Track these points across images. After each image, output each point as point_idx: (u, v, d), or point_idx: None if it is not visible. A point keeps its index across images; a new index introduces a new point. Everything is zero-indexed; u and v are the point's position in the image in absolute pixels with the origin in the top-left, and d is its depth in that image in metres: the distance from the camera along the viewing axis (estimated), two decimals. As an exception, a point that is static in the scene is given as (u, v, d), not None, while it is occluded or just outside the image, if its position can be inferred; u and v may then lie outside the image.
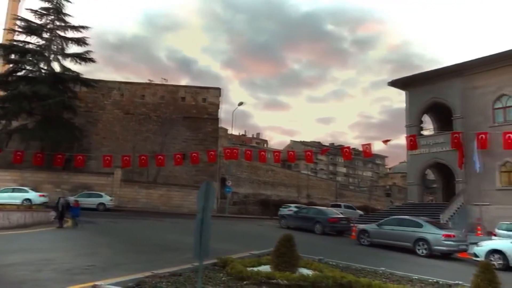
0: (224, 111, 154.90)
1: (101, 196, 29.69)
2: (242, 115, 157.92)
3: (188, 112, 39.33)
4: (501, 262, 14.04)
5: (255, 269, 7.78)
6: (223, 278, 7.33)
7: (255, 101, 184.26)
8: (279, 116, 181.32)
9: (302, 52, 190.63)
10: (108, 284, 6.14)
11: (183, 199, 34.32)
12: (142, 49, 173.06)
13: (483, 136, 19.35)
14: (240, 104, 42.81)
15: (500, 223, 22.90)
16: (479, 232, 24.30)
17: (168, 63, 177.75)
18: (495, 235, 21.42)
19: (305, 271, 7.86)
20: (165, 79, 42.22)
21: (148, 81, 41.12)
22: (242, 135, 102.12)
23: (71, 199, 20.14)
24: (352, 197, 66.60)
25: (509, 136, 17.76)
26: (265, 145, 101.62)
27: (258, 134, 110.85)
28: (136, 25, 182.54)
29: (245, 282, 7.06)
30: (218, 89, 41.14)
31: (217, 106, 40.56)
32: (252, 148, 55.87)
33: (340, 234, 23.33)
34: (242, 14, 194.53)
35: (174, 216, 28.33)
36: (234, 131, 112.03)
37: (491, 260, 13.80)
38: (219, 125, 42.13)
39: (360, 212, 37.29)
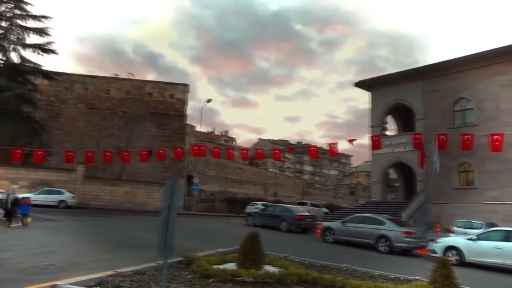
0: (191, 108, 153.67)
1: (62, 193, 28.68)
2: (210, 112, 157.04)
3: (155, 108, 38.66)
4: (457, 258, 14.68)
5: (221, 266, 7.76)
6: (188, 276, 7.26)
7: (223, 99, 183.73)
8: (247, 114, 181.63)
9: (271, 51, 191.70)
10: (68, 284, 5.94)
11: (149, 197, 33.75)
12: (107, 42, 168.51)
13: (443, 137, 20.11)
14: (208, 101, 42.51)
15: (457, 220, 23.98)
16: (437, 229, 25.32)
17: (135, 58, 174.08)
18: (452, 232, 22.38)
19: (270, 269, 7.93)
20: (131, 74, 41.29)
21: (113, 75, 40.01)
22: (210, 132, 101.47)
23: (21, 196, 18.85)
24: (318, 195, 67.67)
25: (467, 138, 18.53)
26: (233, 142, 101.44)
27: (226, 131, 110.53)
28: (102, 17, 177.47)
29: (210, 280, 7.03)
30: (186, 85, 40.70)
31: (184, 102, 40.11)
32: (220, 145, 55.61)
33: (305, 231, 23.65)
34: (211, 11, 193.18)
35: (139, 213, 27.82)
36: (201, 128, 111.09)
37: (447, 256, 14.40)
38: (187, 122, 41.65)
39: (326, 210, 37.94)
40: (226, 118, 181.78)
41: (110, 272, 6.89)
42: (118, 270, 7.05)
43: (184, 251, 9.07)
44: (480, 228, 20.72)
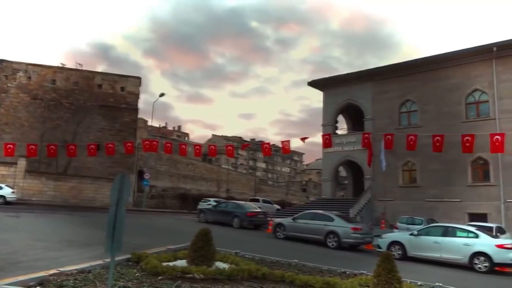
0: (144, 102, 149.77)
1: (0, 188, 26.93)
2: (163, 107, 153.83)
3: (105, 100, 37.20)
4: (400, 252, 15.43)
5: (171, 264, 7.63)
6: (136, 274, 7.06)
7: (177, 93, 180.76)
8: (201, 110, 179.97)
9: (227, 47, 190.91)
10: (5, 284, 5.57)
11: (96, 192, 32.50)
12: (54, 29, 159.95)
13: (390, 137, 20.96)
14: (161, 95, 41.57)
15: (401, 217, 25.19)
16: (383, 225, 26.47)
17: (84, 47, 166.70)
18: (396, 228, 23.48)
19: (221, 265, 7.90)
20: (79, 64, 39.40)
21: (60, 65, 37.96)
22: (163, 127, 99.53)
23: None
24: (271, 192, 68.49)
25: (411, 138, 19.45)
26: (186, 138, 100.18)
27: (179, 127, 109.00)
28: (50, 4, 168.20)
29: (160, 278, 6.88)
30: (138, 78, 39.54)
31: (136, 95, 38.94)
32: (172, 141, 54.63)
33: (257, 228, 23.84)
34: (167, 3, 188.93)
35: (85, 210, 26.71)
36: (154, 122, 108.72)
37: (391, 250, 15.11)
38: (138, 116, 40.48)
39: (277, 207, 38.47)
40: (180, 113, 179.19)
41: (52, 271, 6.55)
42: (62, 269, 6.71)
43: (133, 248, 8.83)
44: (421, 224, 21.90)
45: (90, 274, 6.78)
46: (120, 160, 35.00)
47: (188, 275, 7.00)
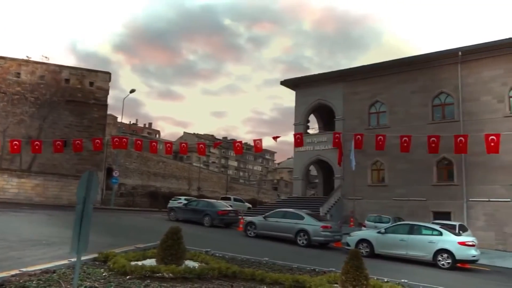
0: (113, 98, 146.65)
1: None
2: (133, 103, 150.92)
3: (73, 95, 36.08)
4: (368, 250, 15.79)
5: (139, 263, 7.50)
6: (103, 274, 6.90)
7: (148, 90, 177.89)
8: (172, 107, 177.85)
9: (199, 44, 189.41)
10: (-38, 286, 5.32)
11: (62, 190, 31.53)
12: (20, 22, 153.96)
13: (359, 137, 21.38)
14: (132, 91, 40.82)
15: (369, 215, 25.76)
16: (351, 223, 26.99)
17: (51, 41, 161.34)
18: (364, 226, 24.00)
19: (191, 264, 7.83)
20: (46, 57, 38.07)
21: (25, 58, 36.54)
22: (133, 124, 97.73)
23: None
24: (242, 190, 68.51)
25: (380, 139, 19.90)
26: (157, 135, 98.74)
27: (150, 124, 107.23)
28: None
29: (128, 277, 6.75)
30: (108, 73, 38.57)
31: (105, 91, 37.98)
32: (143, 138, 53.70)
33: (228, 226, 23.80)
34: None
35: (51, 208, 25.86)
36: (124, 119, 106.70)
37: (359, 248, 15.44)
38: (108, 112, 39.53)
39: (249, 205, 38.53)
40: (151, 110, 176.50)
41: (14, 272, 6.30)
42: (24, 269, 6.47)
43: (100, 247, 8.63)
44: (389, 222, 22.47)
45: (54, 274, 6.57)
46: (88, 157, 34.10)
47: (157, 274, 6.91)
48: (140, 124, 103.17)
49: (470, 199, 25.44)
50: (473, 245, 14.80)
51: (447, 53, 28.05)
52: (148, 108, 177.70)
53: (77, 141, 23.30)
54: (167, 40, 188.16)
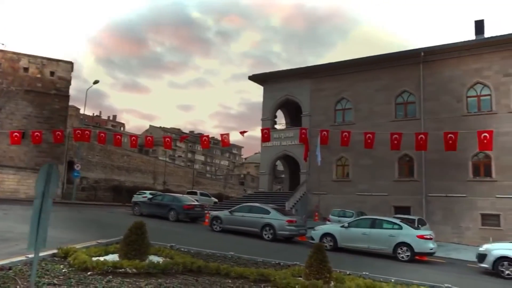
0: (76, 89, 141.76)
1: None
2: (97, 95, 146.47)
3: (32, 85, 34.57)
4: (331, 243, 16.14)
5: (101, 258, 7.33)
6: (63, 270, 6.70)
7: (113, 81, 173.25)
8: (138, 99, 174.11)
9: (166, 36, 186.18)
10: None
11: (20, 183, 30.31)
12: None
13: (325, 133, 21.73)
14: (95, 82, 39.56)
15: (333, 210, 26.30)
16: (316, 218, 27.47)
17: (10, 28, 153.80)
18: (329, 220, 24.48)
19: (155, 259, 7.74)
20: (2, 44, 36.26)
21: (-20, 44, 34.66)
22: (96, 116, 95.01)
23: None
24: (209, 185, 68.18)
25: (345, 135, 20.30)
26: (121, 128, 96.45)
27: (114, 116, 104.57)
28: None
29: (89, 273, 6.59)
30: (70, 63, 37.20)
31: (67, 81, 36.62)
32: (107, 130, 52.25)
33: (194, 221, 23.66)
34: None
35: (7, 202, 24.76)
36: (87, 111, 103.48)
37: (323, 242, 15.75)
38: (70, 103, 38.15)
39: (215, 200, 38.42)
40: (115, 102, 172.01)
41: (-35, 269, 6.01)
42: (-23, 266, 6.18)
43: (60, 243, 8.37)
44: (352, 216, 23.03)
45: (10, 271, 6.33)
46: (48, 149, 32.86)
47: (120, 270, 6.78)
48: (104, 117, 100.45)
49: (429, 195, 26.48)
50: (430, 238, 15.44)
51: (410, 53, 28.95)
52: (113, 100, 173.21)
53: (37, 133, 22.39)
54: (133, 31, 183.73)
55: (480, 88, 26.27)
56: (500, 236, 21.44)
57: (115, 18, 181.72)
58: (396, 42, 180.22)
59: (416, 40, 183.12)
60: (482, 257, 13.93)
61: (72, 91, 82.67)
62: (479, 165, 25.46)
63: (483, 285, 9.82)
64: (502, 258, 13.23)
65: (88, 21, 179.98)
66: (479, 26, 29.71)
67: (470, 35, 30.44)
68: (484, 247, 14.29)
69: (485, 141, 16.78)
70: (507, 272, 12.94)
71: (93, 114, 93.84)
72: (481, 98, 26.22)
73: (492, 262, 13.41)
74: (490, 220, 24.31)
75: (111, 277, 6.46)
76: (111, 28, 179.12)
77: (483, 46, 26.52)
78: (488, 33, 29.31)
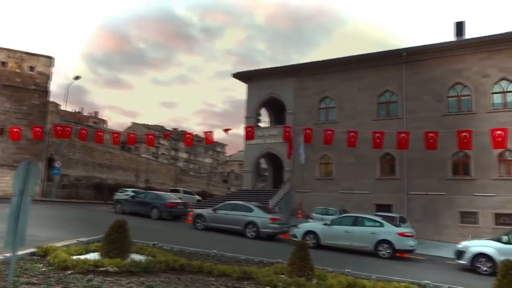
0: (56, 84, 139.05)
1: None
2: (78, 91, 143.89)
3: (10, 80, 33.73)
4: (314, 241, 16.26)
5: (82, 257, 7.22)
6: (42, 269, 6.57)
7: (95, 77, 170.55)
8: (120, 96, 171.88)
9: (149, 32, 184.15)
10: None
11: (-2, 181, 29.55)
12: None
13: (309, 131, 21.87)
14: (77, 78, 38.91)
15: (316, 207, 26.50)
16: (299, 215, 27.62)
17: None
18: (311, 218, 24.65)
19: (137, 257, 7.66)
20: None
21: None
22: (78, 112, 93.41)
23: None
24: (192, 182, 67.80)
25: (329, 133, 20.49)
26: (103, 125, 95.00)
27: (96, 113, 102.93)
28: None
29: (69, 272, 6.48)
30: (50, 57, 36.43)
31: (47, 77, 35.86)
32: (88, 127, 51.48)
33: (177, 219, 23.51)
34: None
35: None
36: (68, 107, 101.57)
37: (306, 240, 15.86)
38: (50, 99, 37.41)
39: (198, 197, 38.25)
40: (97, 98, 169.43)
41: None
42: (-49, 266, 6.01)
43: (39, 241, 8.21)
44: (335, 214, 23.25)
45: (-13, 270, 6.16)
46: (27, 146, 32.16)
47: (101, 269, 6.69)
48: (86, 113, 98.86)
49: (410, 193, 26.92)
50: (411, 236, 15.71)
51: (393, 53, 29.33)
52: (95, 96, 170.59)
53: (15, 129, 21.91)
54: (115, 26, 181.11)
55: (460, 88, 26.82)
56: (477, 233, 21.97)
57: (98, 13, 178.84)
58: (380, 41, 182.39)
59: (400, 40, 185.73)
60: (460, 254, 14.26)
61: (52, 86, 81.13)
62: (459, 164, 26.01)
63: (461, 281, 10.05)
64: (479, 255, 13.57)
65: (71, 16, 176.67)
66: (460, 27, 30.30)
67: (451, 36, 30.97)
68: (462, 244, 14.63)
69: (465, 140, 17.14)
70: (484, 268, 13.28)
71: (74, 110, 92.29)
72: (461, 98, 26.78)
73: (469, 258, 13.74)
74: (468, 217, 24.88)
75: (92, 276, 6.37)
76: (94, 23, 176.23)
77: (463, 47, 27.08)
78: (469, 34, 29.93)
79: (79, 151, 44.29)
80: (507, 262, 6.60)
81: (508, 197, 23.64)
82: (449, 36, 41.84)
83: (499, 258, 12.06)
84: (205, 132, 22.92)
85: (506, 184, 24.12)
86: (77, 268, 6.57)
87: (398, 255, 15.56)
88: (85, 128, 27.59)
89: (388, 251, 15.16)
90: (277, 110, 36.01)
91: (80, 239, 9.57)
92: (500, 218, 23.74)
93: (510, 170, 24.55)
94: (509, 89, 25.30)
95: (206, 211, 19.81)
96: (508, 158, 24.59)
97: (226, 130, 23.28)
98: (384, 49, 31.84)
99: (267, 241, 17.43)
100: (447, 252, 17.15)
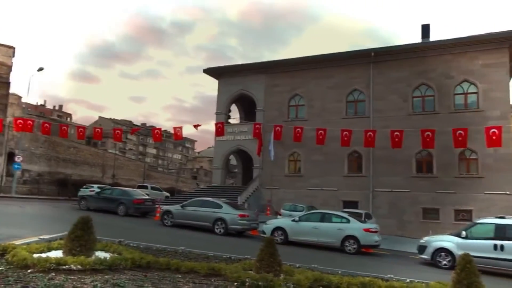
0: (18, 76, 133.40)
1: None
2: (41, 83, 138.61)
3: (-32, 70, 32.13)
4: (282, 237, 16.41)
5: (44, 255, 6.96)
6: (0, 268, 6.29)
7: (59, 69, 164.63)
8: (87, 89, 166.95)
9: (118, 24, 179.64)
10: None
11: (-47, 176, 28.10)
12: None
13: (279, 128, 22.02)
14: (40, 69, 37.44)
15: (284, 204, 26.74)
16: (268, 212, 27.81)
17: None
18: (280, 214, 24.86)
19: (102, 254, 7.46)
20: None
21: None
22: (41, 105, 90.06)
23: None
24: (160, 178, 66.92)
25: (298, 131, 20.71)
26: (68, 119, 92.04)
27: (60, 106, 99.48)
28: None
29: (29, 271, 6.23)
30: (11, 47, 34.90)
31: (8, 67, 34.34)
32: (52, 121, 49.66)
33: (144, 215, 23.15)
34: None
35: None
36: (30, 100, 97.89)
37: (275, 236, 15.99)
38: (10, 91, 35.83)
39: (167, 194, 37.85)
40: (62, 91, 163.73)
41: None
42: None
43: (-2, 239, 7.87)
44: (303, 210, 23.53)
45: None
46: (-15, 139, 30.73)
47: (64, 267, 6.47)
48: (49, 106, 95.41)
49: (376, 189, 27.63)
50: (376, 232, 16.13)
51: (361, 53, 29.93)
52: (59, 89, 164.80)
53: (-28, 122, 20.85)
54: (83, 18, 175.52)
55: (425, 89, 27.72)
56: (439, 229, 22.82)
57: (65, 4, 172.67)
58: (350, 40, 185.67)
59: (370, 40, 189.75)
60: (422, 248, 14.78)
61: (13, 78, 77.76)
62: (422, 162, 26.92)
63: (422, 275, 10.41)
64: (440, 250, 14.12)
65: (36, 5, 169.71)
66: (426, 30, 31.31)
67: (418, 38, 31.94)
68: (424, 239, 15.17)
69: (428, 139, 17.75)
70: (444, 262, 13.83)
71: (37, 103, 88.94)
72: (426, 98, 27.68)
73: (431, 253, 14.27)
74: (430, 214, 25.82)
75: (53, 274, 6.16)
76: (61, 14, 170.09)
77: (428, 49, 28.00)
78: (434, 37, 30.96)
79: (42, 145, 42.74)
80: (465, 256, 6.88)
81: (467, 194, 24.70)
82: (416, 37, 43.02)
83: (458, 252, 12.56)
84: (175, 128, 22.64)
85: (466, 182, 25.19)
86: (38, 266, 6.33)
87: (364, 250, 15.95)
88: (49, 121, 26.58)
89: (354, 247, 15.50)
90: (247, 107, 36.02)
91: (42, 237, 9.23)
92: (460, 214, 24.78)
93: (469, 168, 25.65)
94: (470, 91, 26.39)
95: (174, 208, 19.60)
96: (468, 157, 25.66)
97: (196, 126, 23.09)
98: (354, 48, 32.47)
99: (236, 237, 17.44)
100: (410, 247, 17.71)
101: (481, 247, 13.17)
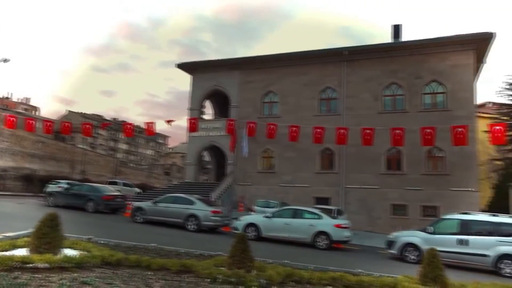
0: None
1: None
2: (7, 75, 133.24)
3: None
4: (255, 233, 16.48)
5: (8, 253, 6.73)
6: (-41, 268, 6.02)
7: (25, 60, 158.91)
8: (55, 82, 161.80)
9: (89, 16, 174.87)
10: None
11: None
12: None
13: (252, 125, 22.09)
14: (5, 60, 35.97)
15: (257, 200, 26.84)
16: (241, 208, 27.84)
17: None
18: (253, 211, 24.94)
19: (71, 252, 7.28)
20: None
21: None
22: (6, 98, 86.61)
23: None
24: (132, 174, 65.78)
25: (272, 127, 20.82)
26: (35, 112, 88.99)
27: (27, 99, 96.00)
28: None
29: (-8, 270, 6.00)
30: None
31: (-29, 58, 32.88)
32: (17, 114, 47.88)
33: (114, 212, 22.72)
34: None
35: None
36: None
37: (247, 232, 16.04)
38: (-27, 83, 34.35)
39: (138, 190, 37.26)
40: (28, 83, 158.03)
41: None
42: None
43: (-43, 237, 7.53)
44: (275, 207, 23.69)
45: None
46: None
47: (30, 265, 6.27)
48: (15, 99, 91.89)
49: (347, 186, 28.12)
50: (346, 227, 16.46)
51: (335, 51, 30.32)
52: (26, 81, 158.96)
53: None
54: (52, 8, 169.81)
55: (395, 88, 28.38)
56: (407, 224, 23.47)
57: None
58: (325, 38, 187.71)
59: (344, 39, 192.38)
60: (391, 244, 15.20)
61: (-24, 69, 74.23)
62: (391, 160, 27.59)
63: (390, 269, 10.70)
64: (407, 245, 14.56)
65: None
66: (397, 30, 32.01)
67: (389, 38, 32.65)
68: (393, 235, 15.60)
69: (398, 137, 18.22)
70: (411, 257, 14.26)
71: (2, 96, 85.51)
72: (396, 97, 28.36)
73: (399, 248, 14.70)
74: (399, 210, 26.53)
75: (19, 273, 5.96)
76: (29, 5, 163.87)
77: (399, 49, 28.69)
78: (405, 37, 31.72)
79: (6, 139, 41.18)
80: (431, 250, 7.13)
81: (434, 190, 25.53)
82: (387, 37, 43.97)
83: (424, 247, 12.97)
84: (147, 123, 22.31)
85: (432, 179, 26.01)
86: (2, 265, 6.11)
87: (335, 246, 16.23)
88: (14, 115, 25.59)
89: (325, 242, 15.74)
90: (221, 103, 35.86)
91: (6, 234, 8.89)
92: (427, 210, 25.58)
93: (436, 166, 26.49)
94: (438, 91, 27.22)
95: (146, 204, 19.34)
96: (435, 155, 26.50)
97: (168, 122, 22.83)
98: (328, 46, 32.87)
99: (208, 234, 17.38)
100: (379, 243, 18.15)
101: (446, 242, 13.67)
